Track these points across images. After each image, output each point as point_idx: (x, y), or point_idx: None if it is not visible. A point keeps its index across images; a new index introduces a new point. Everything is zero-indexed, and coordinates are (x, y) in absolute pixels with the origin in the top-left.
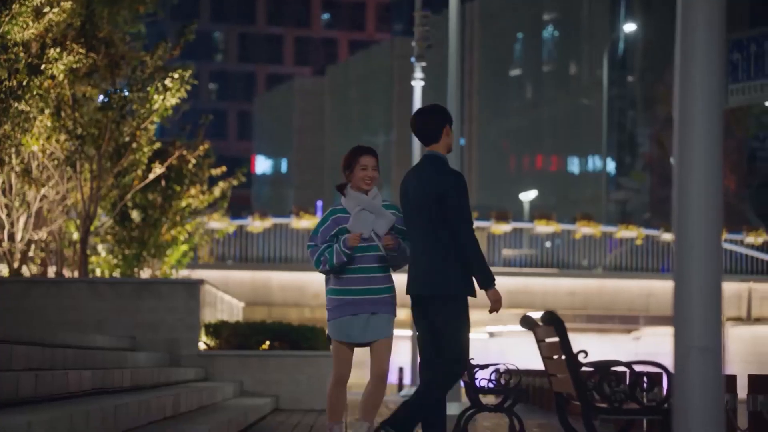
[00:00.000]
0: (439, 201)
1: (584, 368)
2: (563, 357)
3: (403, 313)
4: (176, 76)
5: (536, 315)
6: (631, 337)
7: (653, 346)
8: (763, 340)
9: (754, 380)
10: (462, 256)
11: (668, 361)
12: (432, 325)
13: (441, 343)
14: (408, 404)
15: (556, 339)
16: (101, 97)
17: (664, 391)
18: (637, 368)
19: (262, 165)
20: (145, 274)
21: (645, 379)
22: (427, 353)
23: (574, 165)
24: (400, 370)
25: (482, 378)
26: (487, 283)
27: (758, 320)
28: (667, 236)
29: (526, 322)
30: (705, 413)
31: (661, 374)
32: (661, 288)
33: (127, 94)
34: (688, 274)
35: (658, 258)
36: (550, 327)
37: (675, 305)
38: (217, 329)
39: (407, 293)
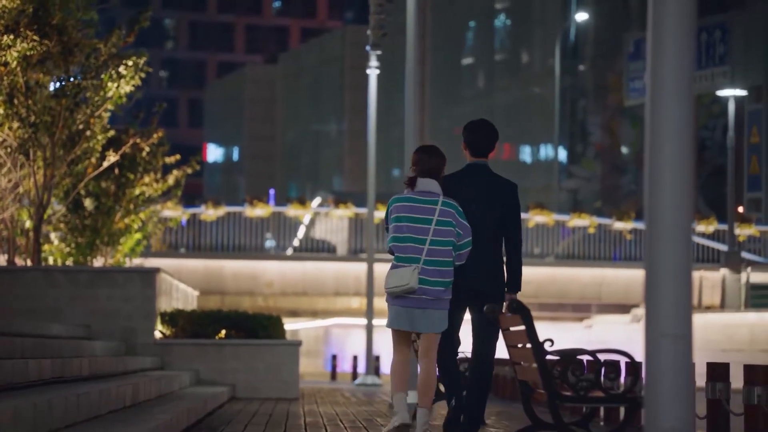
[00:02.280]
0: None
1: (549, 356)
2: (528, 345)
3: (357, 302)
4: (130, 63)
5: None
6: (583, 325)
7: (604, 334)
8: (714, 328)
9: (712, 368)
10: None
11: (621, 349)
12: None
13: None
14: (473, 396)
15: (521, 327)
16: (53, 84)
17: (622, 379)
18: (601, 356)
19: (213, 153)
20: (98, 262)
21: (611, 367)
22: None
23: (526, 154)
24: (355, 358)
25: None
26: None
27: (709, 308)
28: (619, 225)
29: (491, 311)
30: (676, 400)
31: (619, 362)
32: (613, 276)
33: (80, 81)
34: (658, 262)
35: (609, 246)
36: (516, 316)
37: (646, 293)
38: (172, 318)
39: (468, 288)
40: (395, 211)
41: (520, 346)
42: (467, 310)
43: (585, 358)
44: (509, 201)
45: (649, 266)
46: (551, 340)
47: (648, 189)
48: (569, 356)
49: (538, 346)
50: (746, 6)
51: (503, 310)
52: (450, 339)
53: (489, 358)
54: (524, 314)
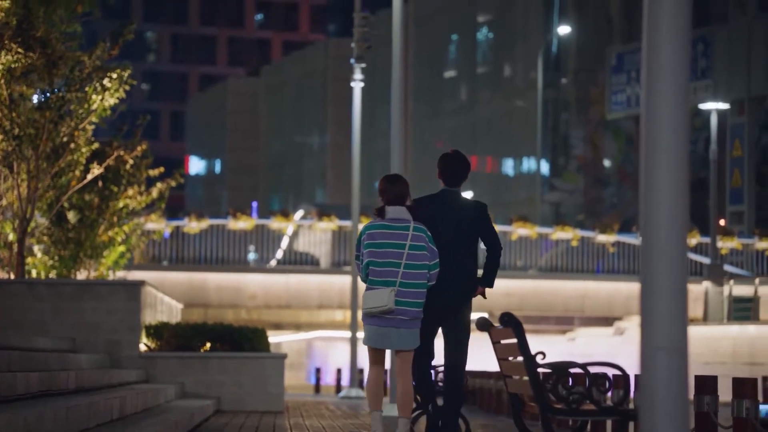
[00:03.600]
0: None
1: (540, 369)
2: (520, 358)
3: (341, 315)
4: (115, 75)
5: (473, 316)
6: (566, 337)
7: (588, 347)
8: (697, 341)
9: (700, 381)
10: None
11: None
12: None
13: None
14: (449, 404)
15: (513, 340)
16: (36, 96)
17: (610, 392)
18: (591, 369)
19: (195, 166)
20: (82, 275)
21: (601, 380)
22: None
23: (508, 166)
24: (338, 371)
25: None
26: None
27: (692, 321)
28: (602, 237)
29: (483, 324)
30: (671, 413)
31: (606, 375)
32: (596, 289)
33: (64, 94)
34: (654, 275)
35: (592, 259)
36: (508, 328)
37: (641, 306)
38: (157, 331)
39: (441, 304)
40: (370, 237)
41: (511, 359)
42: (440, 324)
43: (574, 371)
44: (482, 220)
45: (644, 280)
46: (543, 353)
47: (643, 203)
48: (561, 369)
49: (530, 359)
50: (728, 19)
51: (477, 294)
52: (425, 352)
53: (462, 367)
54: (516, 327)
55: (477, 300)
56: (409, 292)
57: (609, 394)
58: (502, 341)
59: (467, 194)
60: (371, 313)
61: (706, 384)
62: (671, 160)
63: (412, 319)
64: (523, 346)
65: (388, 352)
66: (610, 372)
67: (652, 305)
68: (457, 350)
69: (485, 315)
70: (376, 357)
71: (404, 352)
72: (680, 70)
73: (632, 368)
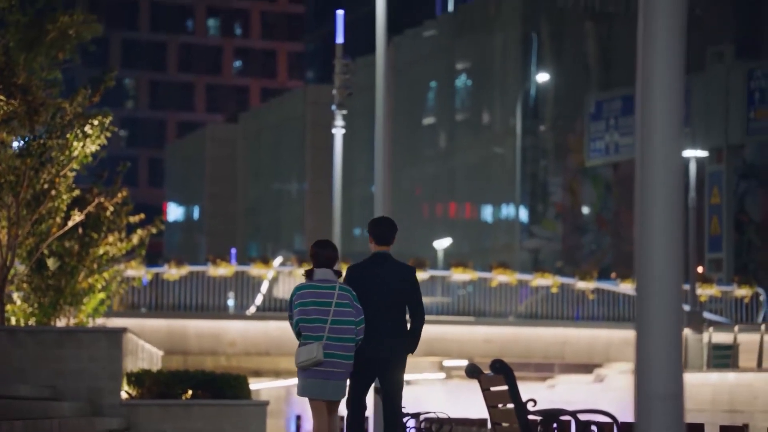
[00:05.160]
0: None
1: (531, 417)
2: (510, 405)
3: None
4: (96, 122)
5: (453, 363)
6: (546, 385)
7: (568, 394)
8: None
9: (688, 428)
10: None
11: (594, 408)
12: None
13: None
14: None
15: (502, 388)
16: (15, 143)
17: None
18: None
19: (173, 212)
20: (61, 322)
21: (585, 427)
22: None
23: (487, 213)
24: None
25: (412, 427)
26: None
27: None
28: (582, 284)
29: (472, 370)
30: None
31: (590, 422)
32: (576, 336)
33: (45, 140)
34: (649, 323)
35: (572, 306)
36: (499, 375)
37: (637, 353)
38: (139, 378)
39: (374, 358)
40: (300, 297)
41: (501, 406)
42: (375, 378)
43: (563, 417)
44: (409, 282)
45: (639, 327)
46: (534, 400)
47: (638, 252)
48: (552, 416)
49: (521, 406)
50: (706, 68)
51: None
52: (360, 404)
53: (399, 419)
54: (507, 374)
55: (458, 347)
56: (337, 345)
57: None
58: (492, 388)
59: (446, 240)
60: (304, 367)
61: (694, 431)
62: (665, 208)
63: (343, 371)
64: (514, 393)
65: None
66: (599, 419)
67: (647, 352)
68: (392, 404)
69: (465, 362)
70: (318, 407)
71: (334, 402)
72: (674, 116)
73: (615, 415)
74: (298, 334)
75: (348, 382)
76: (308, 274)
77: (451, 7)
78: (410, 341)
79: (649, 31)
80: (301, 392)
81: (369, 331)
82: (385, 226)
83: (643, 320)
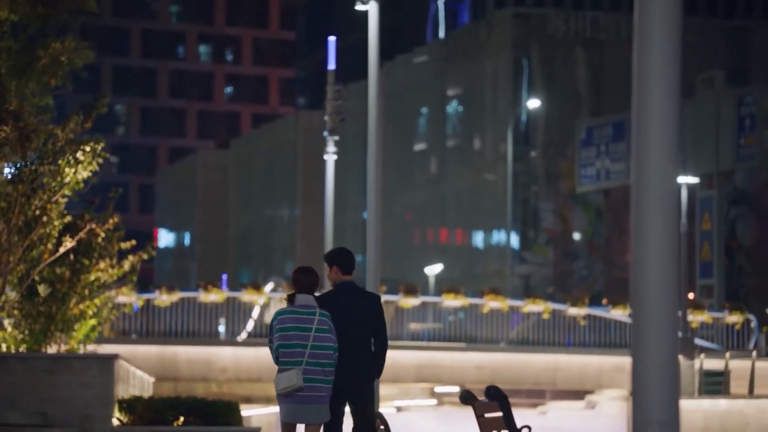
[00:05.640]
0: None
1: None
2: None
3: None
4: (88, 149)
5: (444, 389)
6: (537, 411)
7: (559, 420)
8: None
9: None
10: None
11: None
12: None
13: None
14: None
15: (497, 414)
16: (7, 169)
17: None
18: None
19: (164, 238)
20: (52, 349)
21: None
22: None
23: (478, 239)
24: None
25: None
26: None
27: None
28: (574, 310)
29: (466, 397)
30: None
31: None
32: (567, 362)
33: (37, 167)
34: (645, 350)
35: (563, 332)
36: (494, 402)
37: (633, 381)
38: (130, 405)
39: (346, 384)
40: (280, 322)
41: None
42: (348, 402)
43: None
44: (375, 311)
45: (635, 353)
46: (528, 427)
47: (634, 279)
48: None
49: None
50: (696, 94)
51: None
52: (336, 428)
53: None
54: (502, 401)
55: (450, 373)
56: (317, 370)
57: None
58: (487, 415)
59: (437, 266)
60: (285, 393)
61: None
62: (660, 235)
63: (324, 395)
64: (508, 420)
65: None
66: None
67: (644, 378)
68: (365, 423)
69: (456, 388)
70: (290, 431)
71: (315, 426)
72: (669, 143)
73: None
74: (278, 360)
75: (328, 405)
76: (290, 299)
77: (442, 33)
78: (377, 367)
79: (644, 58)
80: (285, 418)
81: (340, 358)
82: (350, 256)
83: (639, 346)
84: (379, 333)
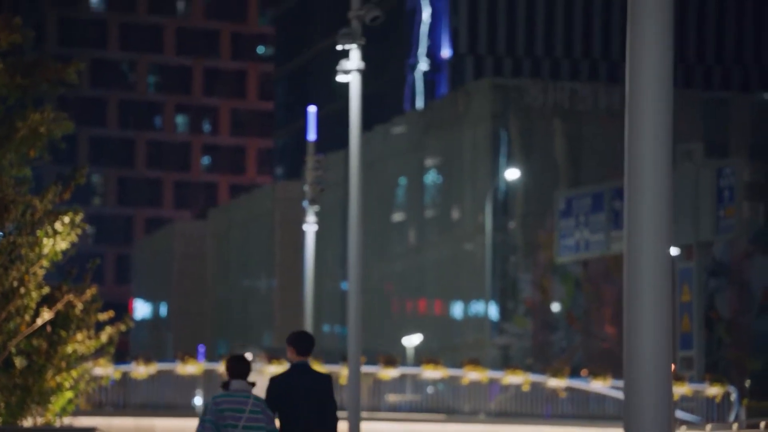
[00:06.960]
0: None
1: None
2: None
3: None
4: (66, 219)
5: None
6: None
7: None
8: None
9: None
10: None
11: None
12: None
13: None
14: None
15: None
16: None
17: None
18: None
19: (140, 309)
20: (29, 422)
21: None
22: None
23: (457, 310)
24: None
25: None
26: None
27: None
28: (554, 382)
29: None
30: None
31: None
32: None
33: (15, 238)
34: (638, 424)
35: (543, 403)
36: None
37: (625, 419)
38: None
39: None
40: (216, 404)
41: None
42: None
43: None
44: (326, 389)
45: (628, 425)
46: None
47: (627, 317)
48: None
49: None
50: (676, 166)
51: None
52: None
53: None
54: None
55: None
56: None
57: None
58: None
59: (416, 337)
60: None
61: None
62: (653, 291)
63: None
64: None
65: None
66: None
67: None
68: None
69: None
70: None
71: None
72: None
73: None
74: None
75: None
76: (224, 385)
77: (420, 103)
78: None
79: (635, 129)
80: None
81: (293, 430)
82: (308, 340)
83: (632, 420)
84: (329, 410)
